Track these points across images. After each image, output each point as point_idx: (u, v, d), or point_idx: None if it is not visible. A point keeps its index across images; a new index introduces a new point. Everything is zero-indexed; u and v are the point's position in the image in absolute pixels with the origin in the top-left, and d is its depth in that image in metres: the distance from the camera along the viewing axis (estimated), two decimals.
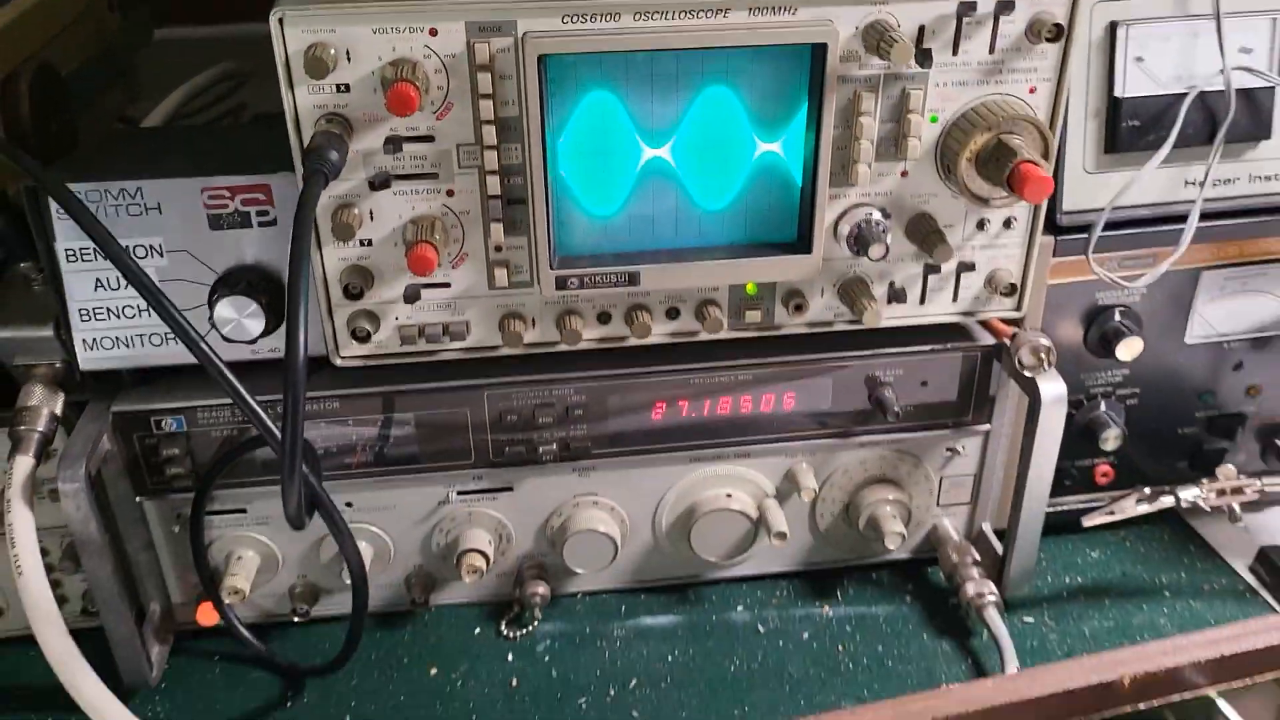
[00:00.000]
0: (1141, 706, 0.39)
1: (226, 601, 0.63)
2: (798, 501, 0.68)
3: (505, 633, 0.68)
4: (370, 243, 0.56)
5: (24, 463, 0.57)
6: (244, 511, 0.64)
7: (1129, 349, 0.67)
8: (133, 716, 0.54)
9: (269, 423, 0.52)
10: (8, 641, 0.68)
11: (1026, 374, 0.62)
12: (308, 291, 0.47)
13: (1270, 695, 0.41)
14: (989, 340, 0.65)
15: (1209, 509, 0.64)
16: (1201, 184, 0.62)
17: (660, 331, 0.61)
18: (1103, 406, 0.71)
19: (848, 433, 0.67)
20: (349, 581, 0.63)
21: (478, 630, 0.68)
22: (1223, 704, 0.40)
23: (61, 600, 0.66)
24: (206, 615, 0.65)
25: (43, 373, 0.60)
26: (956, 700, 0.38)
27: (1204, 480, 0.64)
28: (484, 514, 0.66)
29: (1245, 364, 0.72)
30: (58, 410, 0.59)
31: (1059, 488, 0.72)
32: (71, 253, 0.56)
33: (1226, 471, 0.65)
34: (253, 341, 0.58)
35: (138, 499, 0.63)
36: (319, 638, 0.67)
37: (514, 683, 0.64)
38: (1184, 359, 0.71)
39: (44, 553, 0.64)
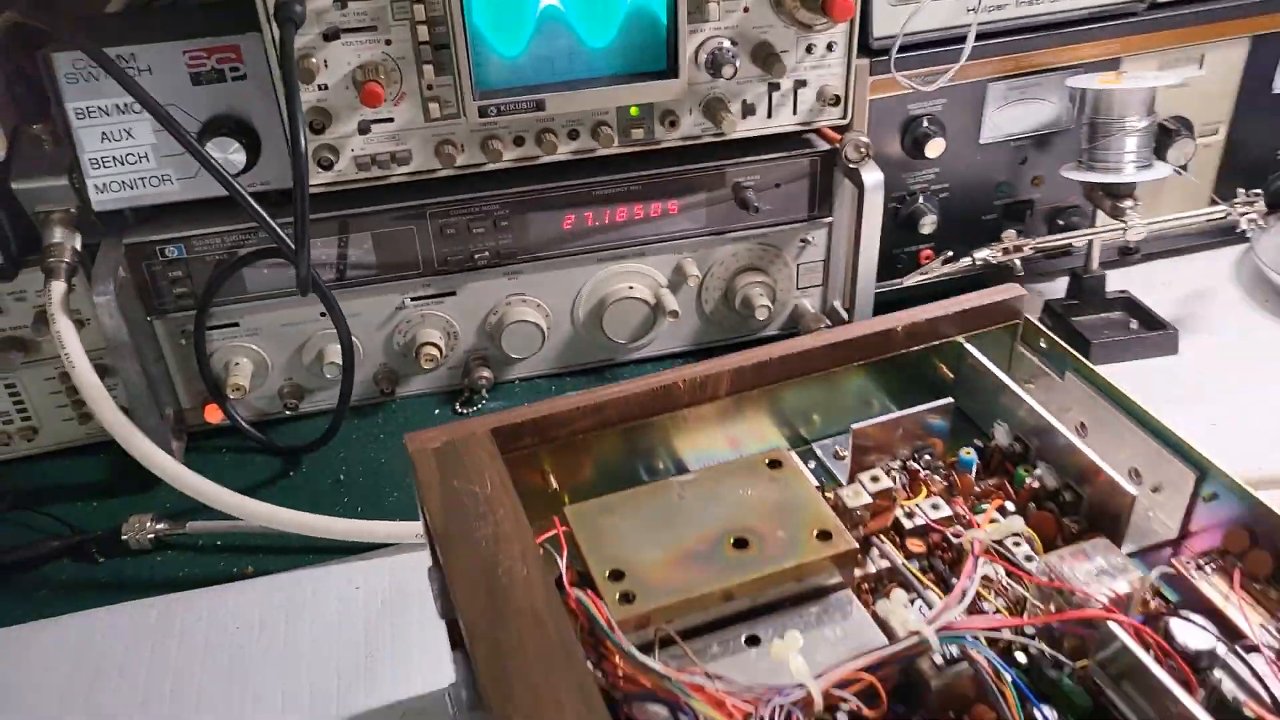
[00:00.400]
0: (915, 349, 0.58)
1: (231, 397, 0.78)
2: (687, 289, 0.85)
3: (460, 411, 0.84)
4: (326, 87, 0.70)
5: (59, 285, 0.70)
6: (237, 325, 0.79)
7: (935, 148, 0.85)
8: (171, 459, 0.69)
9: (275, 226, 0.67)
10: (42, 456, 0.82)
11: (852, 166, 0.79)
12: (299, 102, 0.62)
13: (1002, 340, 0.59)
14: (825, 147, 0.82)
15: (995, 263, 0.83)
16: (976, 9, 0.79)
17: (565, 150, 0.76)
18: (921, 200, 0.89)
19: (721, 231, 0.84)
20: (329, 376, 0.79)
21: (437, 411, 0.84)
22: (969, 346, 0.58)
23: (86, 417, 0.81)
24: (213, 414, 0.80)
25: (60, 217, 0.73)
26: (786, 347, 0.55)
27: (992, 243, 0.83)
28: (434, 315, 0.82)
29: (1029, 159, 0.91)
30: (77, 246, 0.72)
31: (893, 271, 0.91)
32: (80, 111, 0.69)
33: (1009, 234, 0.84)
34: (236, 175, 0.72)
35: (148, 318, 0.76)
36: (307, 429, 0.82)
37: None
38: (981, 157, 0.89)
39: (68, 375, 0.78)
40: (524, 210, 0.79)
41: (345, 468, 0.79)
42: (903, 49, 0.79)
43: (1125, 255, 0.88)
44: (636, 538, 0.48)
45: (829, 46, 0.77)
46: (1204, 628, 0.43)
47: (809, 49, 0.76)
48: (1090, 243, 0.86)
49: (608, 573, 0.46)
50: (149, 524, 0.71)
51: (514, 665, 0.39)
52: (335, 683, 0.61)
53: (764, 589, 0.46)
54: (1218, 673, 0.43)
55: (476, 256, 0.80)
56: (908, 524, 0.51)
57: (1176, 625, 0.43)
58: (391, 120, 0.72)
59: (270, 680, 0.62)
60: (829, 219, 0.85)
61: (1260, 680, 0.42)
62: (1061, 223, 0.92)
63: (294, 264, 0.67)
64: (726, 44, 0.74)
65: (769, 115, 0.79)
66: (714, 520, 0.48)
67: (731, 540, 0.47)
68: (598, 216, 0.81)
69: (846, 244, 0.87)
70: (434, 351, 0.80)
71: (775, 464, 0.51)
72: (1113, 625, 0.42)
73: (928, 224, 0.88)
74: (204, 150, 0.66)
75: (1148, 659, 0.41)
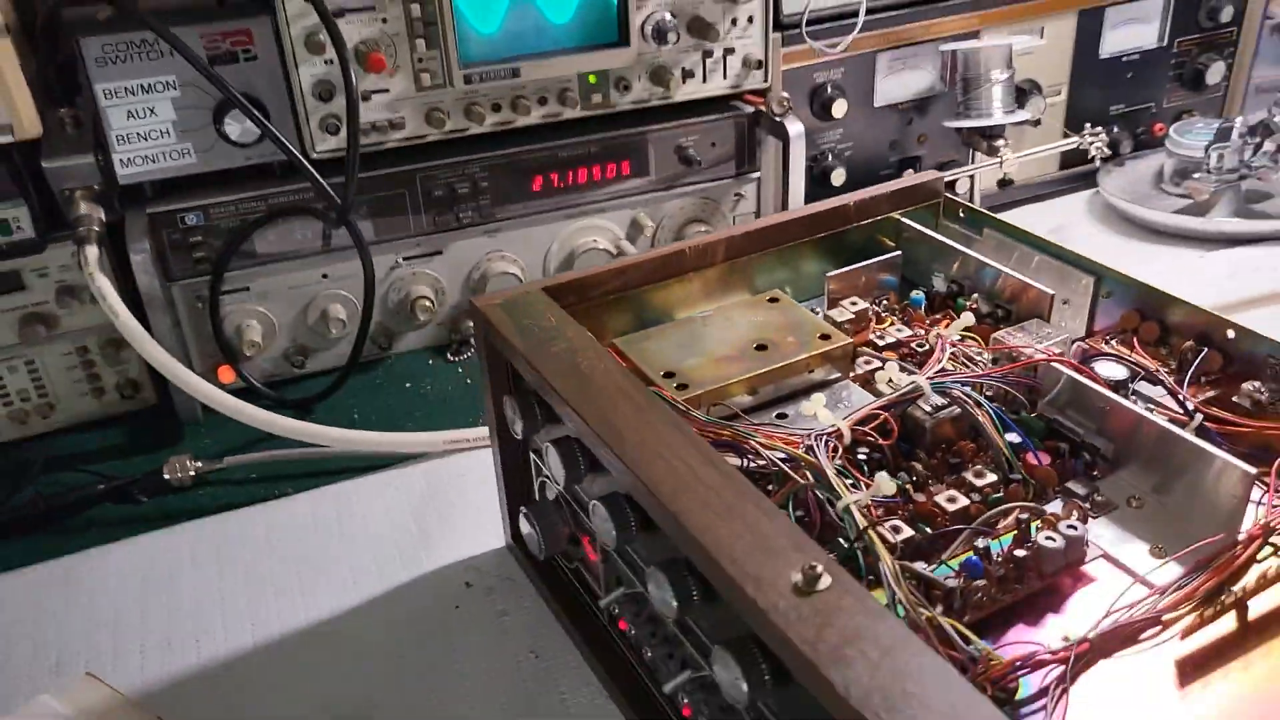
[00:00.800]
0: (863, 223, 0.71)
1: (247, 354, 0.85)
2: (643, 240, 0.97)
3: (451, 358, 0.93)
4: (332, 61, 0.80)
5: (92, 250, 0.76)
6: (247, 290, 0.86)
7: (839, 108, 1.00)
8: (219, 390, 0.76)
9: (317, 175, 0.77)
10: (58, 432, 0.86)
11: (777, 119, 0.94)
12: (343, 41, 0.75)
13: (926, 217, 0.73)
14: (750, 109, 0.97)
15: None
16: None
17: (536, 114, 0.88)
18: (830, 158, 1.04)
19: (668, 187, 0.96)
20: (334, 333, 0.87)
21: (431, 361, 0.93)
22: (906, 220, 0.72)
23: (100, 391, 0.86)
24: (226, 375, 0.87)
25: (84, 193, 0.79)
26: (768, 220, 0.67)
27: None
28: (424, 273, 0.91)
29: (914, 120, 1.07)
30: (103, 218, 0.79)
31: None
32: (108, 91, 0.77)
33: (908, 174, 0.99)
34: (252, 144, 0.80)
35: (167, 283, 0.83)
36: (313, 388, 0.89)
37: (468, 381, 0.90)
38: (876, 120, 1.05)
39: (84, 350, 0.84)
40: (501, 173, 0.90)
41: (356, 410, 0.86)
42: (807, 23, 0.95)
43: (1003, 187, 1.05)
44: (677, 352, 0.59)
45: (749, 19, 0.91)
46: (1120, 362, 0.57)
47: (734, 21, 0.91)
48: (973, 179, 1.03)
49: (662, 373, 0.57)
50: (189, 463, 0.77)
51: (615, 418, 0.49)
52: (397, 556, 0.69)
53: (785, 378, 0.58)
54: (1132, 396, 0.56)
55: (461, 216, 0.90)
56: (881, 344, 0.64)
57: (1099, 364, 0.57)
58: (388, 91, 0.82)
59: (336, 563, 0.69)
60: (757, 174, 0.99)
61: (1170, 393, 0.55)
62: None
63: (333, 205, 0.77)
64: (668, 16, 0.87)
65: (704, 80, 0.92)
66: (736, 336, 0.60)
67: (754, 345, 0.59)
68: (563, 178, 0.92)
69: (774, 196, 1.01)
70: (428, 303, 0.90)
71: (774, 300, 0.63)
72: (1056, 365, 0.55)
73: (838, 176, 1.03)
74: (246, 103, 0.75)
75: (1084, 379, 0.54)
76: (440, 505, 0.73)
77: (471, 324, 0.92)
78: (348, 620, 0.64)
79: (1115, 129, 1.15)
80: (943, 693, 0.34)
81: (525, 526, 0.60)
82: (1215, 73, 1.18)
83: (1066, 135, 1.06)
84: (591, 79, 0.89)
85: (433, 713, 0.57)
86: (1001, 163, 0.99)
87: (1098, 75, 1.14)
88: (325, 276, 0.88)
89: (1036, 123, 1.08)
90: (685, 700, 0.49)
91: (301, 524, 0.73)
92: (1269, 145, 1.02)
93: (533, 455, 0.62)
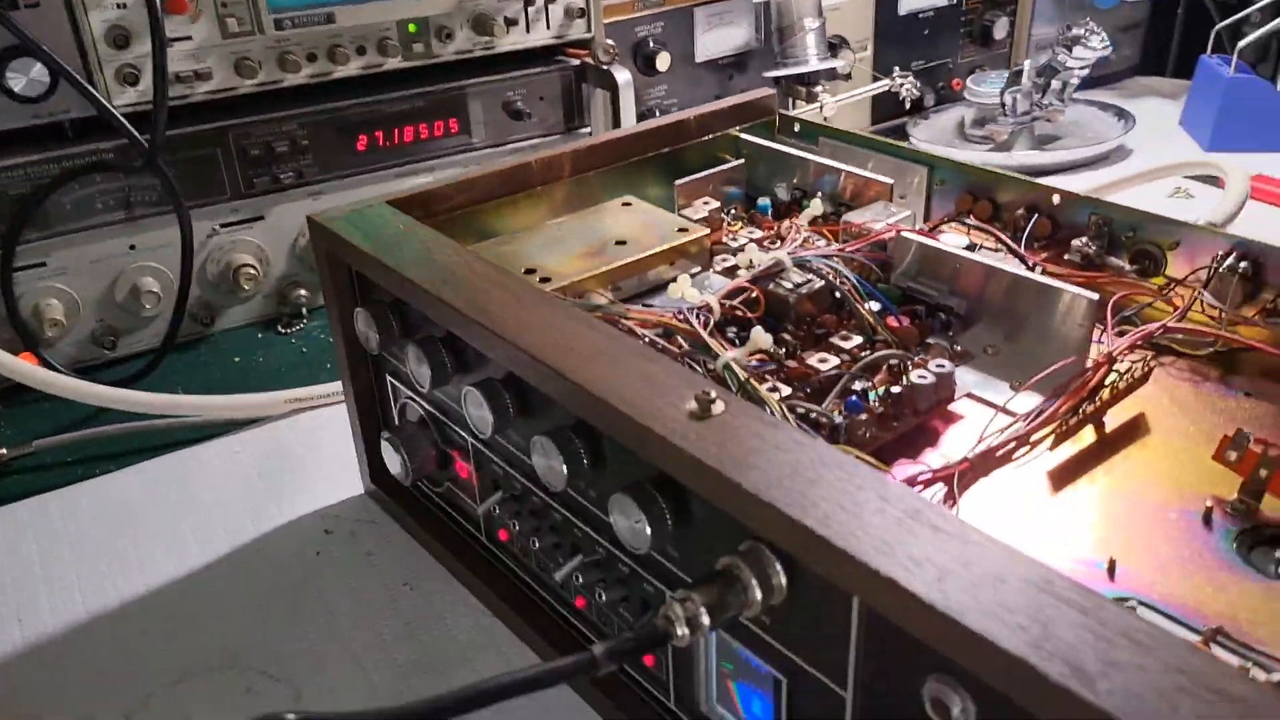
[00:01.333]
0: (704, 139, 0.71)
1: (48, 334, 0.77)
2: None
3: (283, 332, 0.87)
4: (125, 5, 0.74)
5: None
6: (44, 265, 0.78)
7: (663, 61, 1.01)
8: (12, 357, 0.68)
9: (118, 115, 0.70)
10: None
11: (604, 67, 0.93)
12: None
13: (762, 133, 0.74)
14: (576, 63, 0.96)
15: None
16: None
17: (355, 65, 0.84)
18: (658, 114, 1.05)
19: (499, 143, 0.94)
20: (147, 308, 0.80)
21: (261, 335, 0.87)
22: (745, 135, 0.73)
23: None
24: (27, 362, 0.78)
25: None
26: (612, 134, 0.67)
27: None
28: (244, 240, 0.85)
29: (735, 76, 1.10)
30: None
31: None
32: None
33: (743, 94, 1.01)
34: (39, 99, 0.73)
35: None
36: (126, 371, 0.82)
37: (304, 350, 0.84)
38: (699, 74, 1.07)
39: None
40: (323, 129, 0.85)
41: (181, 387, 0.79)
42: None
43: None
44: (537, 253, 0.57)
45: None
46: (962, 234, 0.59)
47: None
48: None
49: (523, 270, 0.54)
50: None
51: (486, 302, 0.46)
52: (247, 515, 0.63)
53: (647, 269, 0.57)
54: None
55: (281, 178, 0.85)
56: (734, 245, 0.64)
57: (943, 237, 0.59)
58: (190, 39, 0.77)
59: (175, 529, 0.62)
60: (587, 129, 0.99)
61: (1011, 252, 0.58)
62: None
63: (139, 148, 0.70)
64: None
65: (528, 30, 0.91)
66: (595, 235, 0.59)
67: (614, 241, 0.58)
68: (389, 135, 0.89)
69: None
70: (252, 271, 0.84)
71: (627, 204, 0.62)
72: (907, 235, 0.57)
73: None
74: (36, 44, 0.68)
75: (933, 243, 0.55)
76: (290, 463, 0.68)
77: (303, 292, 0.87)
78: (196, 580, 0.58)
79: (920, 84, 1.22)
80: (847, 477, 0.34)
81: (389, 453, 0.56)
82: (1001, 28, 1.27)
83: (877, 79, 1.11)
84: (411, 27, 0.86)
85: (308, 652, 0.52)
86: (821, 107, 1.02)
87: (898, 31, 1.20)
88: (133, 248, 0.81)
89: (848, 76, 1.12)
90: (578, 587, 0.46)
91: (133, 497, 0.66)
92: (1055, 84, 1.10)
93: (389, 379, 0.58)
